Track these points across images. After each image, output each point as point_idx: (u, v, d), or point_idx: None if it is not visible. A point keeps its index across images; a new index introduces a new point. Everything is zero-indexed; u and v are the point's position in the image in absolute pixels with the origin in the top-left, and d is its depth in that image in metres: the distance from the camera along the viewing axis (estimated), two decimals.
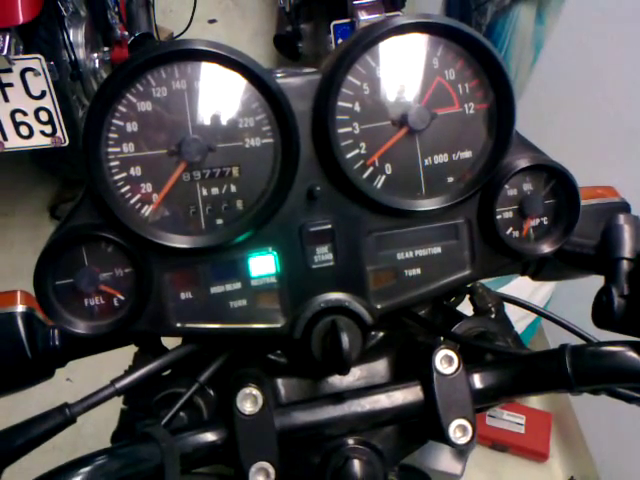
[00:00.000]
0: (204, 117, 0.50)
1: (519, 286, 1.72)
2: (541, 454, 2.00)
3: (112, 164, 0.49)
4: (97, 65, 2.37)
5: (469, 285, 0.69)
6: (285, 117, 0.50)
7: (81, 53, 2.26)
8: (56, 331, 0.60)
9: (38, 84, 1.82)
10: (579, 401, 1.95)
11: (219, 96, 0.50)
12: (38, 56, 1.77)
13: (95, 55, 2.36)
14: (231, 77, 0.50)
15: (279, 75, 0.52)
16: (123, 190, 0.49)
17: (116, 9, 2.41)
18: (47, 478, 0.43)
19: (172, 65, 0.49)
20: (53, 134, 1.92)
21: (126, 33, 2.43)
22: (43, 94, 1.85)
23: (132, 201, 0.50)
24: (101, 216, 0.49)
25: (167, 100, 0.49)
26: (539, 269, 0.68)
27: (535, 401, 2.12)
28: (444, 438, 0.49)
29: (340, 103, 0.51)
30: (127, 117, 0.49)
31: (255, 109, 0.50)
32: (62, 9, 2.12)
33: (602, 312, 0.50)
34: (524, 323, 2.00)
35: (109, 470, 0.43)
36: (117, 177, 0.49)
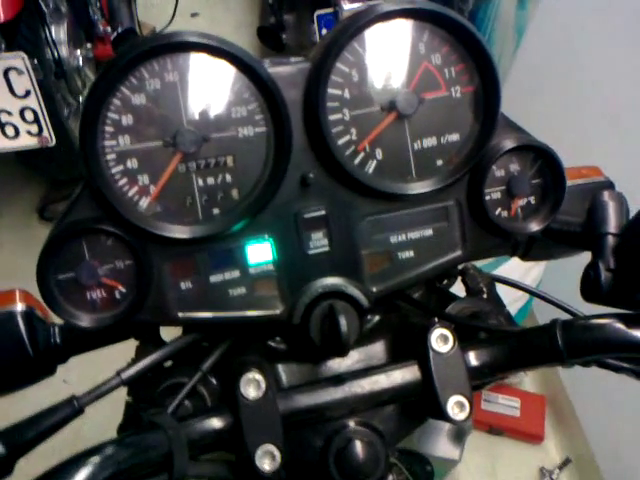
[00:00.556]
0: (197, 108, 0.51)
1: (509, 270, 1.75)
2: (536, 436, 2.03)
3: (109, 157, 0.50)
4: (81, 62, 2.35)
5: (460, 267, 0.71)
6: (277, 106, 0.51)
7: (64, 50, 2.24)
8: (56, 328, 0.60)
9: (22, 83, 1.80)
10: (572, 383, 1.99)
11: (211, 86, 0.51)
12: (21, 54, 1.76)
13: (78, 52, 2.35)
14: (222, 67, 0.51)
15: (268, 64, 0.53)
16: (121, 183, 0.50)
17: (98, 5, 2.39)
18: (59, 469, 0.44)
19: (164, 57, 0.49)
20: (39, 134, 1.90)
21: (109, 29, 2.42)
22: (28, 93, 1.84)
23: (130, 193, 0.50)
24: (100, 209, 0.50)
25: (160, 92, 0.50)
26: (528, 249, 0.69)
27: (529, 384, 2.15)
28: (442, 415, 0.50)
29: (330, 90, 0.52)
30: (122, 110, 0.49)
31: (247, 98, 0.51)
32: (43, 6, 2.11)
33: (590, 286, 0.51)
34: (515, 307, 2.03)
35: (118, 459, 0.44)
36: (114, 170, 0.50)
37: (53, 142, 1.89)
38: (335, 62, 0.52)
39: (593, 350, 0.51)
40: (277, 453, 0.48)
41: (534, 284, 2.02)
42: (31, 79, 1.80)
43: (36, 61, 1.86)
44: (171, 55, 0.50)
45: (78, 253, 0.50)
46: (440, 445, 1.78)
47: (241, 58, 0.50)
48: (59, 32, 2.25)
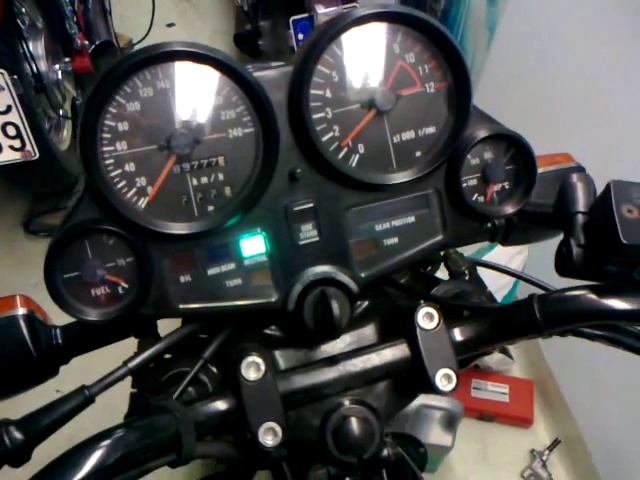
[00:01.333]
0: (189, 112, 0.54)
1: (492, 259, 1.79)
2: (526, 420, 2.08)
3: (107, 162, 0.53)
4: (60, 76, 2.36)
5: (443, 253, 0.74)
6: (263, 107, 0.54)
7: (43, 65, 2.25)
8: (57, 330, 0.63)
9: (3, 99, 1.81)
10: (559, 368, 2.04)
11: (201, 92, 0.54)
12: (1, 70, 1.77)
13: (57, 66, 2.36)
14: (211, 74, 0.54)
15: (253, 69, 0.56)
16: (120, 185, 0.53)
17: (74, 19, 2.40)
18: (70, 454, 0.46)
19: (155, 67, 0.53)
20: (22, 148, 1.91)
21: (86, 42, 2.43)
22: (9, 109, 1.85)
23: (129, 195, 0.53)
24: (101, 211, 0.53)
25: (153, 99, 0.53)
26: (507, 234, 0.73)
27: (517, 371, 2.20)
28: (431, 387, 0.54)
29: (312, 91, 0.56)
30: (118, 117, 0.52)
31: (235, 101, 0.54)
32: (19, 22, 2.12)
33: (563, 262, 0.55)
34: (499, 295, 2.08)
35: (128, 442, 0.47)
36: (113, 174, 0.53)
37: (36, 155, 1.90)
38: (316, 65, 0.55)
39: (568, 320, 0.55)
40: (279, 429, 0.51)
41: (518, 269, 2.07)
42: (12, 94, 1.81)
43: (16, 76, 1.88)
44: (162, 64, 0.53)
45: (82, 253, 0.53)
46: (433, 433, 1.82)
47: (228, 64, 0.53)
48: (37, 47, 2.25)
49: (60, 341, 0.62)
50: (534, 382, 2.15)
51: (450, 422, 1.75)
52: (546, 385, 2.12)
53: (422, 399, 1.80)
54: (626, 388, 1.74)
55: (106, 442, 0.46)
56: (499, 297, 2.03)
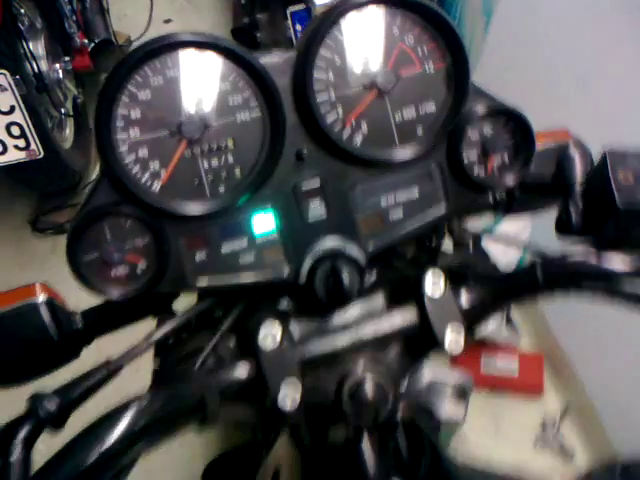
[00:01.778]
0: (198, 98, 0.56)
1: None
2: (536, 392, 2.10)
3: (122, 149, 0.55)
4: (61, 75, 2.39)
5: (447, 227, 0.77)
6: (270, 92, 0.56)
7: (43, 65, 2.28)
8: (77, 315, 0.66)
9: (6, 99, 1.84)
10: (566, 337, 2.07)
11: (209, 79, 0.56)
12: (3, 71, 1.79)
13: (57, 66, 2.38)
14: (218, 61, 0.56)
15: (258, 56, 0.58)
16: (135, 170, 0.56)
17: (73, 18, 2.42)
18: (100, 422, 0.49)
19: (165, 56, 0.55)
20: (27, 147, 1.94)
21: (86, 41, 2.45)
22: (12, 109, 1.87)
23: (143, 179, 0.56)
24: (117, 194, 0.55)
25: (164, 87, 0.55)
26: (509, 205, 0.76)
27: (526, 345, 2.22)
28: (440, 345, 0.56)
29: (316, 75, 0.58)
30: (130, 106, 0.55)
31: (242, 87, 0.57)
32: (19, 23, 2.14)
33: (563, 225, 0.58)
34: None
35: (153, 408, 0.50)
36: (127, 160, 0.55)
37: (41, 154, 1.93)
38: (318, 49, 0.58)
39: (569, 282, 0.57)
40: (297, 394, 0.54)
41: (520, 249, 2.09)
42: (15, 95, 1.84)
43: (18, 77, 1.90)
44: (170, 53, 0.55)
45: (101, 235, 0.56)
46: (444, 408, 1.84)
47: (236, 51, 0.56)
48: (37, 47, 2.28)
49: (80, 325, 0.64)
50: (542, 355, 2.17)
51: (461, 397, 1.78)
52: (554, 356, 2.14)
53: (432, 375, 1.83)
54: (630, 349, 1.77)
55: (131, 410, 0.49)
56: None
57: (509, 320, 2.21)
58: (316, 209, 0.59)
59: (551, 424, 2.01)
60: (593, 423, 1.95)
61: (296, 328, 0.61)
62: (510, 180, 0.62)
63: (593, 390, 1.97)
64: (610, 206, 0.53)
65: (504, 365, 2.13)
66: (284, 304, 0.63)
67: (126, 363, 0.57)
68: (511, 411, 2.08)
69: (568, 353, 2.06)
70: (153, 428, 0.50)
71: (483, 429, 2.02)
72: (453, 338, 0.57)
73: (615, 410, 1.87)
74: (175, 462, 1.83)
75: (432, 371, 2.17)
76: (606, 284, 0.56)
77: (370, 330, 0.58)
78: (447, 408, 1.94)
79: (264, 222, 0.59)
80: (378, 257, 0.61)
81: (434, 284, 0.58)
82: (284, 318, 0.58)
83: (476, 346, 2.15)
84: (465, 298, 0.60)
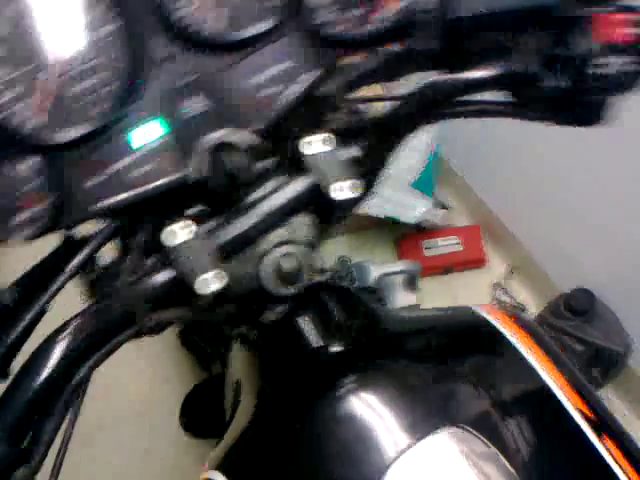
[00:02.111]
0: (54, 26, 0.55)
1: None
2: (479, 260, 2.23)
3: None
4: None
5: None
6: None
7: None
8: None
9: None
10: (502, 209, 2.17)
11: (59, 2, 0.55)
12: None
13: None
14: None
15: None
16: (4, 113, 0.55)
17: None
18: (37, 351, 0.50)
19: None
20: None
21: None
22: None
23: (15, 121, 0.55)
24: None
25: (15, 21, 0.54)
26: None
27: (464, 222, 2.32)
28: (330, 202, 0.59)
29: None
30: None
31: (94, 2, 0.56)
32: None
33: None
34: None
35: (84, 329, 0.52)
36: None
37: None
38: None
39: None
40: (218, 280, 0.55)
41: (428, 149, 2.18)
42: None
43: None
44: None
45: None
46: (398, 297, 1.93)
47: None
48: None
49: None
50: (479, 225, 2.27)
51: (410, 282, 1.87)
52: (492, 227, 2.25)
53: (381, 269, 1.91)
54: (562, 201, 1.88)
55: (68, 331, 0.51)
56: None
57: (441, 204, 2.29)
58: (195, 104, 0.60)
59: (499, 284, 2.13)
60: (539, 276, 2.08)
61: (206, 226, 0.62)
62: (365, 29, 0.63)
63: (534, 248, 2.09)
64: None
65: (446, 243, 2.22)
66: (192, 211, 0.64)
67: (50, 301, 0.57)
68: (459, 283, 2.20)
69: (505, 221, 2.17)
70: (92, 347, 0.52)
71: (442, 304, 2.13)
72: (337, 187, 0.59)
73: (559, 261, 1.98)
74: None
75: (380, 266, 2.26)
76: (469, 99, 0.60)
77: (273, 205, 0.60)
78: (400, 296, 2.03)
79: (150, 130, 0.59)
80: (273, 133, 0.63)
81: (310, 143, 0.61)
82: (189, 217, 0.59)
83: (416, 234, 2.24)
84: (348, 150, 0.62)
